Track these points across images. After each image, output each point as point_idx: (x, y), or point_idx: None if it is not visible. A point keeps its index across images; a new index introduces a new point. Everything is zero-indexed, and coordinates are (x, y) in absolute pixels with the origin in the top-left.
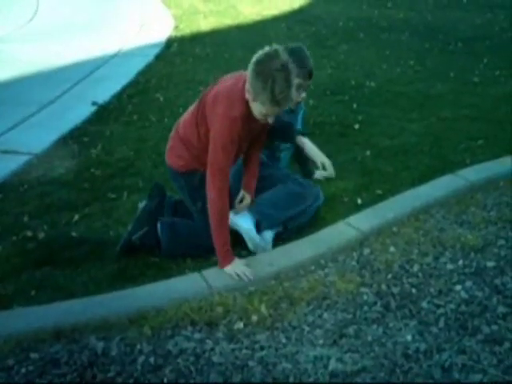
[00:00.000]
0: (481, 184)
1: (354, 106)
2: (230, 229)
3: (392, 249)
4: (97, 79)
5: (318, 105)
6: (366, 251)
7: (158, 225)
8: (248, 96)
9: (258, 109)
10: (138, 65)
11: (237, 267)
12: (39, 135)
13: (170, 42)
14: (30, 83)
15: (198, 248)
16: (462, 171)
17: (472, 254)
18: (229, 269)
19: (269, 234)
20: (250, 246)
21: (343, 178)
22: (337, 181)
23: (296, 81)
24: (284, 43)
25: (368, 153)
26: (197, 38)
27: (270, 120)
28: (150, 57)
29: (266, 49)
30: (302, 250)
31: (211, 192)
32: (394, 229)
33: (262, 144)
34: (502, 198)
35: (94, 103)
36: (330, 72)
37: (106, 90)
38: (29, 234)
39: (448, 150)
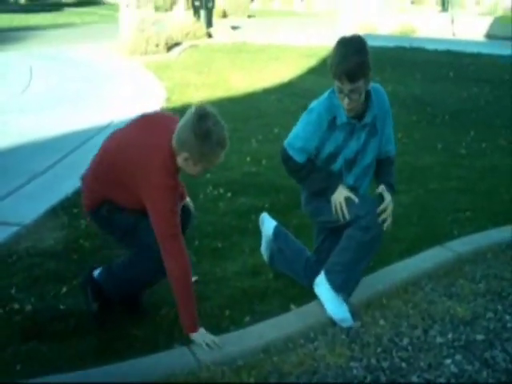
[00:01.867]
0: (469, 256)
1: None
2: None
3: (381, 322)
4: (89, 150)
5: None
6: (356, 324)
7: (95, 273)
8: (184, 160)
9: (198, 168)
10: None
11: (205, 336)
12: (29, 206)
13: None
14: (22, 153)
15: (141, 283)
16: (450, 243)
17: (461, 327)
18: (197, 337)
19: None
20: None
21: None
22: None
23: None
24: (274, 115)
25: None
26: (188, 109)
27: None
28: None
29: (192, 116)
30: (292, 322)
31: (170, 263)
32: (384, 301)
33: None
34: (489, 270)
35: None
36: None
37: None
38: (16, 306)
39: (436, 222)
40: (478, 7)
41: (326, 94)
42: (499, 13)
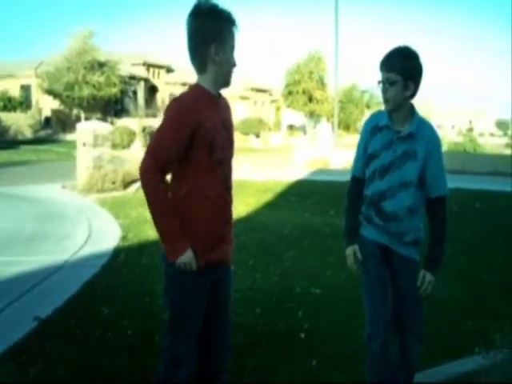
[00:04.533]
0: None
1: (300, 313)
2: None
3: None
4: (41, 293)
5: (264, 313)
6: None
7: None
8: (215, 55)
9: (227, 55)
10: (84, 276)
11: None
12: None
13: (117, 252)
14: None
15: None
16: None
17: None
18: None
19: None
20: None
21: None
22: None
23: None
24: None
25: (314, 362)
26: (144, 248)
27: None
28: (96, 268)
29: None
30: None
31: (141, 172)
32: None
33: None
34: None
35: (35, 318)
36: (275, 279)
37: (49, 303)
38: None
39: None
40: None
41: None
42: (445, 147)
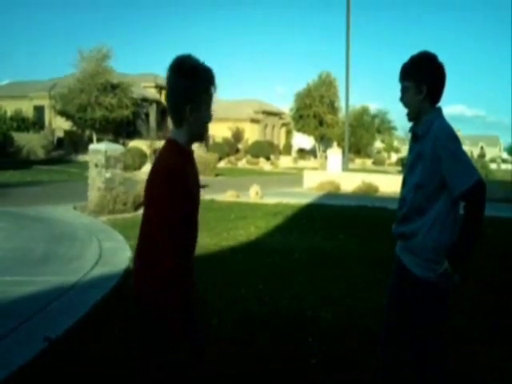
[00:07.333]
0: None
1: (310, 339)
2: None
3: None
4: (51, 313)
5: (273, 337)
6: None
7: None
8: (191, 114)
9: (202, 120)
10: (94, 298)
11: None
12: None
13: (127, 274)
14: None
15: None
16: None
17: None
18: None
19: None
20: None
21: None
22: None
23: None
24: (241, 273)
25: None
26: None
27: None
28: (106, 289)
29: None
30: None
31: (166, 261)
32: None
33: None
34: None
35: (46, 339)
36: (285, 303)
37: (59, 324)
38: None
39: None
40: None
41: None
42: None
